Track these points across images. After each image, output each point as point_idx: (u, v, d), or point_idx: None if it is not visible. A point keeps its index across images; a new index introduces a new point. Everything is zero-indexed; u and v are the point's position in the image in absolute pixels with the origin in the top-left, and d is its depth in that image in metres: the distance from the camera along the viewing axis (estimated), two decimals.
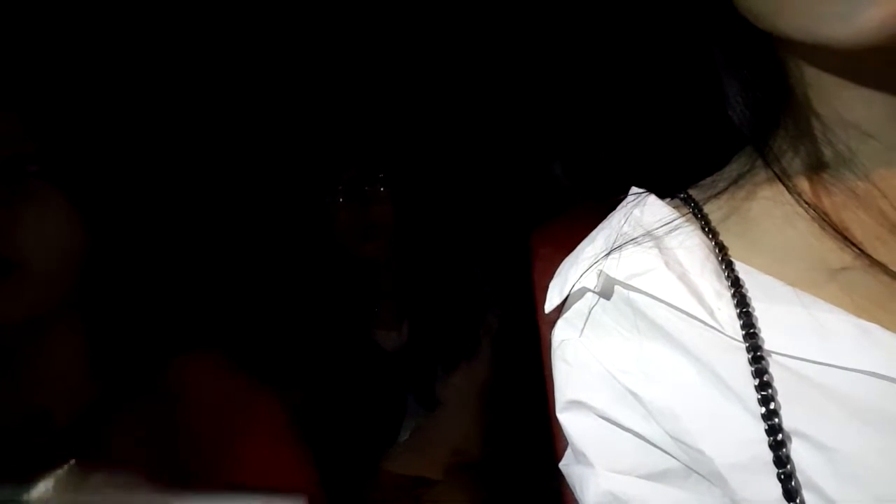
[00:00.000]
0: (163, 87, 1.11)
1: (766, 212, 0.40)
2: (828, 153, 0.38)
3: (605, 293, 0.42)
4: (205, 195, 1.14)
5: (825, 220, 0.37)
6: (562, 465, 0.46)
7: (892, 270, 0.35)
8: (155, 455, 0.68)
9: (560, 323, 0.44)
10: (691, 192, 0.43)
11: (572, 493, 0.44)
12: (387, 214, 1.19)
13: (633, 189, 0.46)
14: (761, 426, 0.35)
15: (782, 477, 0.34)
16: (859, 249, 0.36)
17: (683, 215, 0.42)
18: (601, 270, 0.41)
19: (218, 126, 1.22)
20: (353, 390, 1.21)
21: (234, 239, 1.20)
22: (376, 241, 1.20)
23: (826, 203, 0.38)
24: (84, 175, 0.67)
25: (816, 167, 0.38)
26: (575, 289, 0.42)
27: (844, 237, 0.36)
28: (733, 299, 0.37)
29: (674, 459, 0.39)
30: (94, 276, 0.69)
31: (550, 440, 0.63)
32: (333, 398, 1.19)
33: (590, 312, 0.43)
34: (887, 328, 0.34)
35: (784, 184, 0.38)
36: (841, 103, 0.37)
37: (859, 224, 0.37)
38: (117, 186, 0.70)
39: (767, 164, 0.40)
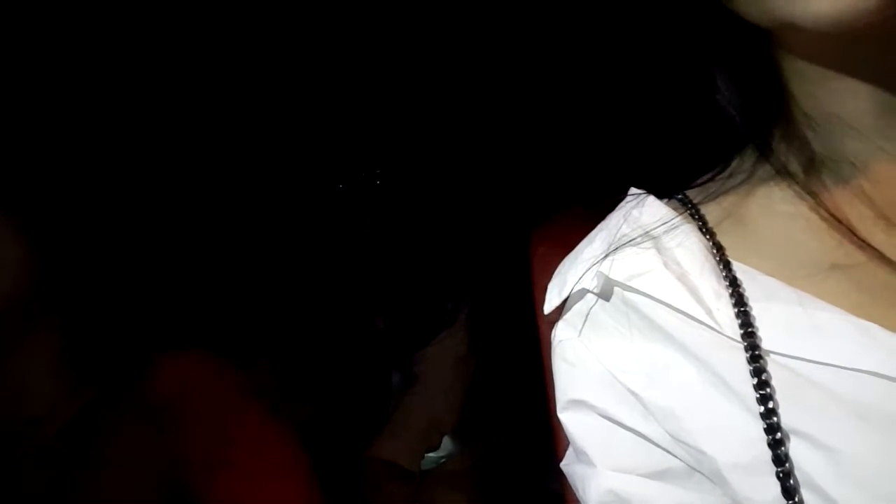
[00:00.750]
0: (145, 84, 1.11)
1: (764, 211, 0.40)
2: (822, 149, 0.38)
3: (605, 294, 0.42)
4: (203, 191, 1.16)
5: (826, 212, 0.37)
6: (563, 464, 0.46)
7: (892, 262, 0.35)
8: (149, 459, 0.68)
9: (560, 324, 0.45)
10: (690, 192, 0.44)
11: (574, 493, 0.44)
12: (384, 199, 1.34)
13: (632, 189, 0.46)
14: (760, 425, 0.35)
15: (781, 475, 0.34)
16: (861, 240, 0.36)
17: (681, 215, 0.42)
18: (600, 271, 0.41)
19: (219, 123, 1.23)
20: (355, 377, 1.27)
21: (237, 231, 1.23)
22: (374, 220, 1.34)
23: (823, 199, 0.38)
24: (14, 184, 0.67)
25: (812, 164, 0.39)
26: (574, 290, 0.43)
27: (848, 229, 0.36)
28: (731, 299, 0.37)
29: (675, 458, 0.40)
30: (63, 279, 0.68)
31: (551, 440, 0.63)
32: (338, 388, 1.24)
33: (589, 313, 0.43)
34: (886, 327, 0.34)
35: (783, 177, 0.39)
36: (830, 97, 0.37)
37: (856, 218, 0.37)
38: (59, 192, 0.69)
39: (767, 160, 0.40)
